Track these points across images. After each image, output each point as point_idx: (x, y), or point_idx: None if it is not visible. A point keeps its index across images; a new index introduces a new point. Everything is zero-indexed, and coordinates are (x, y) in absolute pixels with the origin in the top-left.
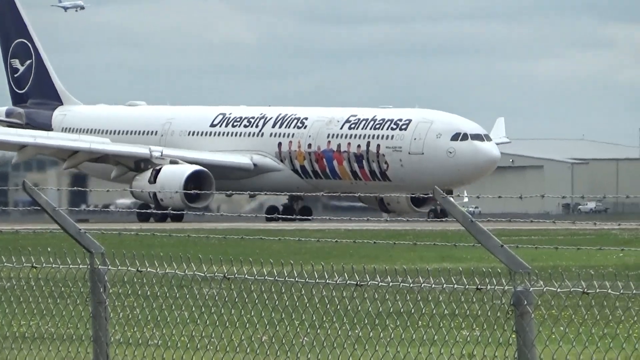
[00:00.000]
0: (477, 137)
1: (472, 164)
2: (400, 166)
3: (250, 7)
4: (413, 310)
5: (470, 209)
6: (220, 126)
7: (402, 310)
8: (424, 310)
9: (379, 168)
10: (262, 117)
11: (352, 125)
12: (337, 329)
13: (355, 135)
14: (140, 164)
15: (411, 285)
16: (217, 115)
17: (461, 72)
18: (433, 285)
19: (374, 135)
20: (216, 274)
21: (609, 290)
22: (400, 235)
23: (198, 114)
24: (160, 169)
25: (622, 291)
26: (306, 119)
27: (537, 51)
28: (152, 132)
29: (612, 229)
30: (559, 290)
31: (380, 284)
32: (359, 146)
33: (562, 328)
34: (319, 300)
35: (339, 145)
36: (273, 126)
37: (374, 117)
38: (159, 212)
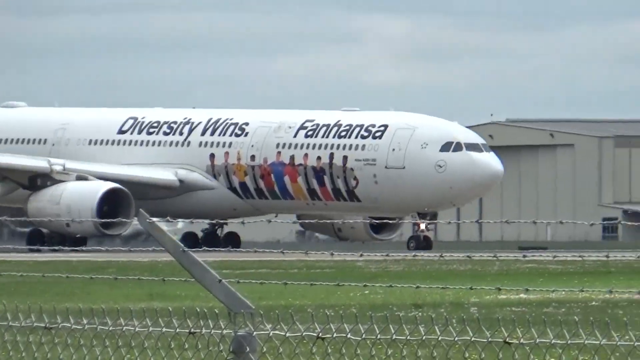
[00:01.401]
0: (474, 147)
1: (469, 180)
2: (374, 183)
3: None
4: (113, 357)
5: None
6: (131, 133)
7: (99, 357)
8: (126, 358)
9: (345, 185)
10: (188, 122)
11: (310, 133)
12: None
13: (315, 145)
14: (36, 180)
15: (111, 328)
16: (127, 120)
17: (191, 70)
18: (137, 329)
19: (339, 145)
20: None
21: (349, 335)
22: (101, 268)
23: (101, 118)
24: (64, 186)
25: (364, 336)
26: (247, 124)
27: (274, 46)
28: (40, 140)
29: (355, 261)
30: (288, 334)
31: (74, 326)
32: (319, 158)
33: None
34: (1, 346)
35: (292, 157)
36: (203, 133)
37: (338, 122)
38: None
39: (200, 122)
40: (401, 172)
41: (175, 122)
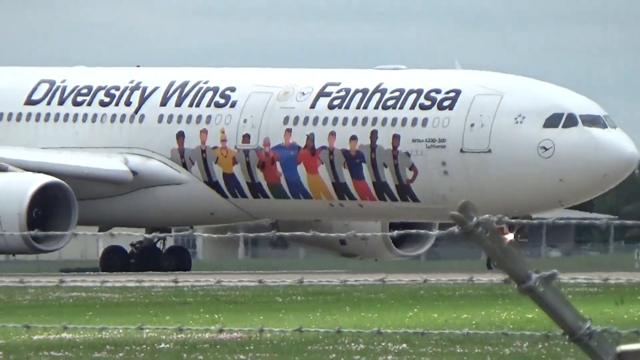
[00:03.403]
0: (593, 120)
1: (589, 168)
2: (443, 174)
3: None
4: None
5: None
6: (48, 103)
7: None
8: None
9: (396, 178)
10: (137, 87)
11: (337, 101)
12: None
13: (346, 119)
14: None
15: None
16: (39, 84)
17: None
18: None
19: (385, 119)
20: None
21: None
22: None
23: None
24: None
25: None
26: (233, 89)
27: None
28: None
29: None
30: None
31: None
32: (353, 139)
33: None
34: None
35: (309, 138)
36: (163, 103)
37: (380, 86)
38: None
39: (157, 87)
40: (485, 157)
41: (116, 87)
